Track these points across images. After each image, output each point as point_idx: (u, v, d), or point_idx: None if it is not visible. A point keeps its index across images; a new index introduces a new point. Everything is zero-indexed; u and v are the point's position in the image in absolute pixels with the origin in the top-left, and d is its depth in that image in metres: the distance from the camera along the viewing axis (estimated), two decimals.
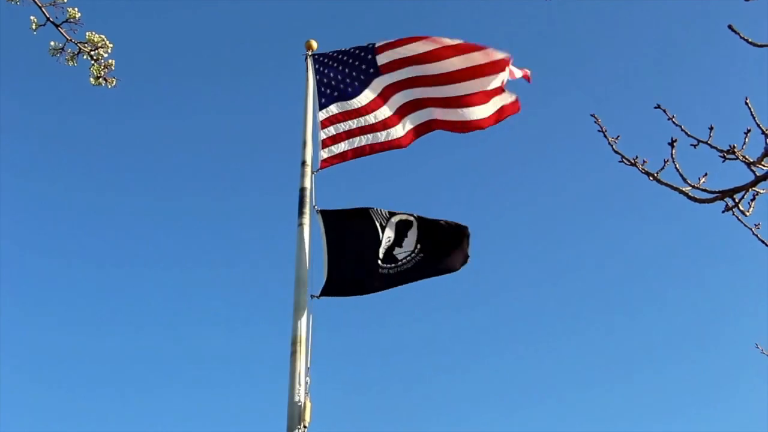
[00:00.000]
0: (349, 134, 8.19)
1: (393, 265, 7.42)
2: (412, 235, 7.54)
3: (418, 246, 7.50)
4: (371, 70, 8.49)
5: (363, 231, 7.50)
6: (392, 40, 8.60)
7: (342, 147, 8.11)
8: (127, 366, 21.41)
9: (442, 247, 7.55)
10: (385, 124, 8.35)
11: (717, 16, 21.46)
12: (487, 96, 8.33)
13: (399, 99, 8.44)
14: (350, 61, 8.57)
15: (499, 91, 8.33)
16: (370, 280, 7.38)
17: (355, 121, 8.27)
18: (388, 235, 7.50)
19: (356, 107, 8.34)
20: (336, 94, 8.37)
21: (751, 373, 20.57)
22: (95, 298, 23.06)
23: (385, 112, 8.38)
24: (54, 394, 20.93)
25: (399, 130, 8.39)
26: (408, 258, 7.47)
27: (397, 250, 7.47)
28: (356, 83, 8.45)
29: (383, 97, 8.42)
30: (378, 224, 7.54)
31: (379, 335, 22.61)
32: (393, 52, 8.50)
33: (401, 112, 8.42)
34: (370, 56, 8.52)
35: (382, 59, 8.51)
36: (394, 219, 7.57)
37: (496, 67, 8.27)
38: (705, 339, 23.55)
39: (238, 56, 25.34)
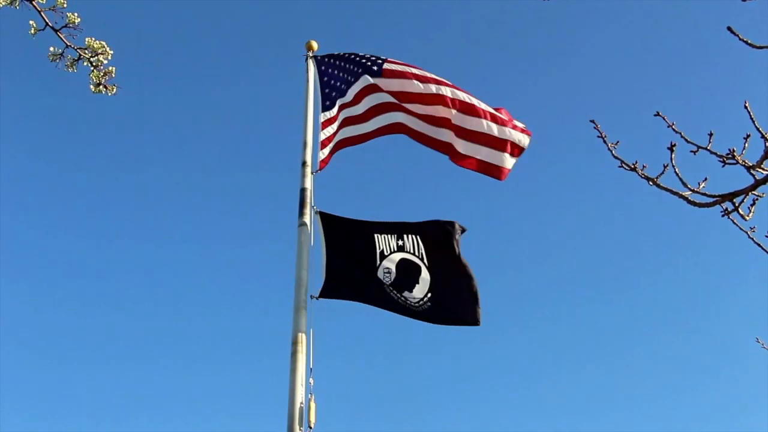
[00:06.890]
0: (340, 126, 8.10)
1: (401, 296, 7.22)
2: (423, 283, 7.23)
3: (428, 295, 7.20)
4: (374, 68, 8.24)
5: (361, 242, 7.41)
6: (401, 66, 8.29)
7: (334, 142, 8.02)
8: (126, 366, 21.47)
9: (453, 300, 7.26)
10: (365, 117, 8.15)
11: (715, 17, 21.44)
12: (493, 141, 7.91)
13: (387, 97, 8.17)
14: (355, 63, 8.35)
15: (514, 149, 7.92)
16: (370, 288, 7.29)
17: (344, 111, 8.15)
18: (387, 267, 7.29)
19: (347, 101, 8.21)
20: (335, 94, 8.24)
21: (751, 374, 20.72)
22: (95, 299, 23.11)
23: (368, 103, 8.18)
24: (57, 391, 20.96)
25: (374, 124, 8.18)
26: (417, 304, 7.21)
27: (406, 293, 7.22)
28: (353, 79, 8.27)
29: (371, 90, 8.17)
30: (377, 246, 7.37)
31: (380, 335, 22.67)
32: (399, 71, 8.19)
33: (381, 109, 8.16)
34: (377, 67, 8.25)
35: (387, 67, 8.23)
36: (397, 256, 7.32)
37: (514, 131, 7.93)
38: (705, 338, 23.68)
39: (239, 57, 25.33)
